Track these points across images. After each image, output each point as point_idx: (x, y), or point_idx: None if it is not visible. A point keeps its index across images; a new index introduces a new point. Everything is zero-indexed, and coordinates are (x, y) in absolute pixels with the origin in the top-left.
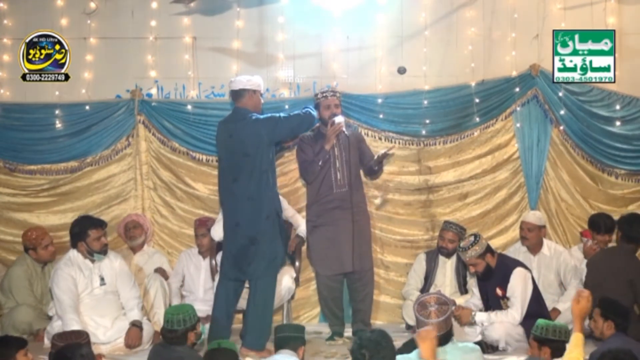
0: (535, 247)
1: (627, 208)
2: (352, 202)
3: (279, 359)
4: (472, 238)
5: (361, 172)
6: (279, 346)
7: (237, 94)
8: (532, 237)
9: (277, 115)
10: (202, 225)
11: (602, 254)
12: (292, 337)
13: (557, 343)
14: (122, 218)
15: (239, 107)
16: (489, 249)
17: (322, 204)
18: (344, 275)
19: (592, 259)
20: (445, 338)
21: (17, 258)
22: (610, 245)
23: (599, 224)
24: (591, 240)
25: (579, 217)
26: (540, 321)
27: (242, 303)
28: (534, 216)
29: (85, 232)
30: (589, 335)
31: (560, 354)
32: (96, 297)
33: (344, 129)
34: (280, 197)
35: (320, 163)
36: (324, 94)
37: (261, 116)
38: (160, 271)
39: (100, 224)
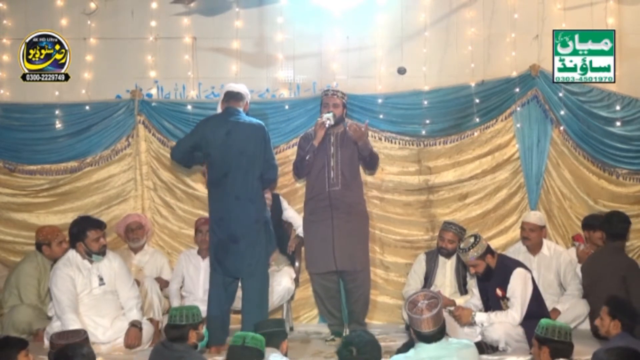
0: (535, 248)
1: (632, 206)
2: (345, 201)
3: None
4: (472, 239)
5: (360, 172)
6: None
7: (236, 96)
8: (534, 238)
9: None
10: (206, 223)
11: (594, 256)
12: (273, 333)
13: (557, 343)
14: (122, 218)
15: (234, 107)
16: (489, 250)
17: (316, 201)
18: (338, 276)
19: (585, 263)
20: (439, 334)
21: (27, 255)
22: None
23: (591, 223)
24: (583, 244)
25: (582, 215)
26: (543, 321)
27: (240, 303)
28: (535, 216)
29: (84, 233)
30: (593, 334)
31: (560, 355)
32: (95, 297)
33: (327, 125)
34: (281, 198)
35: (307, 158)
36: (326, 92)
37: (265, 126)
38: (159, 280)
39: (98, 225)
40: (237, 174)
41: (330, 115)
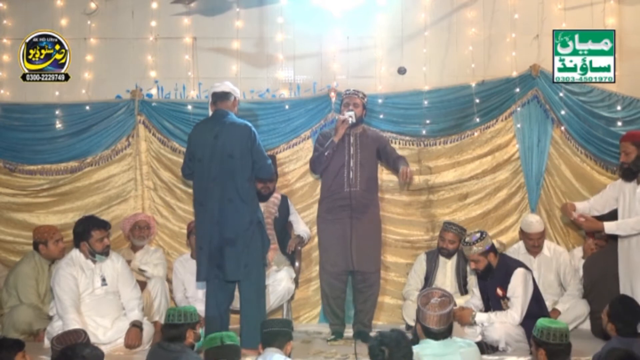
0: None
1: None
2: (362, 202)
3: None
4: (478, 234)
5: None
6: (265, 342)
7: (223, 96)
8: (542, 242)
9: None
10: None
11: (596, 255)
12: (279, 332)
13: (553, 346)
14: (129, 216)
15: (223, 110)
16: (493, 248)
17: (333, 200)
18: (349, 275)
19: (587, 262)
20: (446, 332)
21: (25, 255)
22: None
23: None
24: (591, 239)
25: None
26: (540, 322)
27: (239, 303)
28: (538, 224)
29: (89, 233)
30: (594, 334)
31: (558, 356)
32: (97, 297)
33: (349, 122)
34: (289, 201)
35: (327, 154)
36: (347, 91)
37: (251, 126)
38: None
39: (103, 225)
40: (226, 177)
41: (352, 113)
